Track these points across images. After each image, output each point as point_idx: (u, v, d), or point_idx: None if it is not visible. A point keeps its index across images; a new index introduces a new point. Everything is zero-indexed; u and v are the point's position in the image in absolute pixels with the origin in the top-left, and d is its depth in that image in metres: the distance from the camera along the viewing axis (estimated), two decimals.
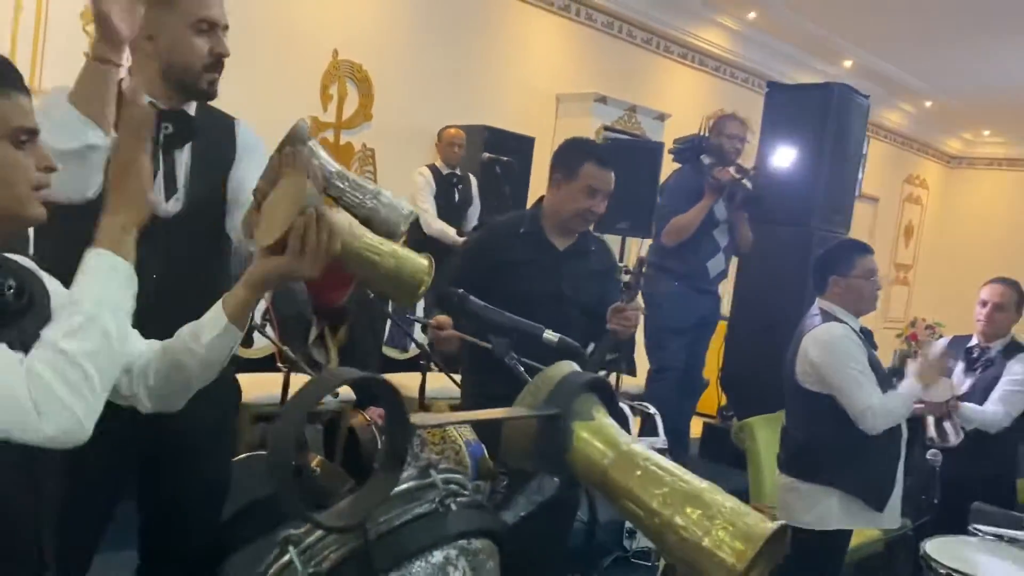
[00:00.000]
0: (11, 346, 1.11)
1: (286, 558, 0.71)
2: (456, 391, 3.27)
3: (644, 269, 2.45)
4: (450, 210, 4.96)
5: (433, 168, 5.03)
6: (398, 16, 5.72)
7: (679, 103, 7.35)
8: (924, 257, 11.76)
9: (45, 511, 1.21)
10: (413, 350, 4.42)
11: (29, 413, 1.02)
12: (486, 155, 5.16)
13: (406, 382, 4.07)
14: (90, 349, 1.06)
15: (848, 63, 8.55)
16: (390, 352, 4.39)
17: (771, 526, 0.87)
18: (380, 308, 4.15)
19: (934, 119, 10.78)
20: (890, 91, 9.53)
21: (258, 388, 3.45)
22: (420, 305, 4.45)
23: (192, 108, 1.76)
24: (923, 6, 6.72)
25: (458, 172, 5.07)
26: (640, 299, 2.52)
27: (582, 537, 2.88)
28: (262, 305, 3.56)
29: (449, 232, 4.90)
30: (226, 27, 1.71)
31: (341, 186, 1.46)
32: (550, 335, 1.33)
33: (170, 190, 1.70)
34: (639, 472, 0.85)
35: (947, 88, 9.24)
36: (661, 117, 6.84)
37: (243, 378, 2.22)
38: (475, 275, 2.51)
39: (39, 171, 1.16)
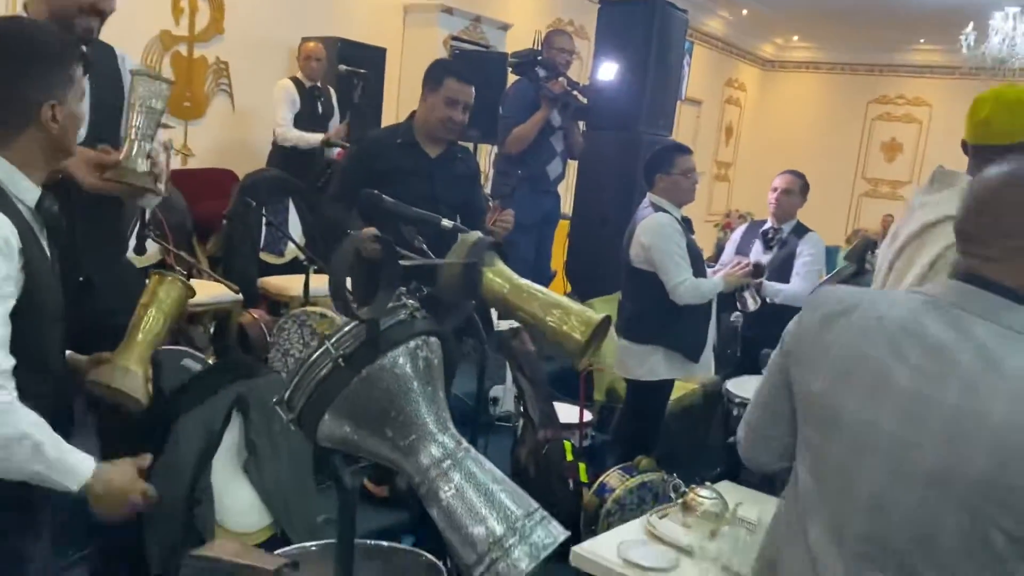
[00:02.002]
0: (52, 256, 1.51)
1: (323, 348, 1.16)
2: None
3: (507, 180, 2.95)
4: (314, 122, 5.23)
5: (296, 81, 5.25)
6: None
7: (520, 13, 7.75)
8: (742, 155, 12.89)
9: None
10: (288, 255, 4.76)
11: None
12: (343, 67, 5.42)
13: (287, 284, 4.45)
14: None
15: None
16: (267, 257, 4.71)
17: (599, 316, 1.43)
18: (256, 216, 4.45)
19: (750, 26, 11.69)
20: (711, 0, 10.29)
21: None
22: (293, 216, 4.79)
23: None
24: None
25: (319, 85, 5.32)
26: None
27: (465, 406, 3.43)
28: (148, 214, 3.79)
29: (306, 137, 5.11)
30: None
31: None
32: (446, 223, 1.80)
33: None
34: (524, 294, 1.41)
35: None
36: (504, 27, 7.20)
37: None
38: (357, 183, 2.92)
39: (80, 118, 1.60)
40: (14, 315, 1.44)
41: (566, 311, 1.44)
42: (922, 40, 11.34)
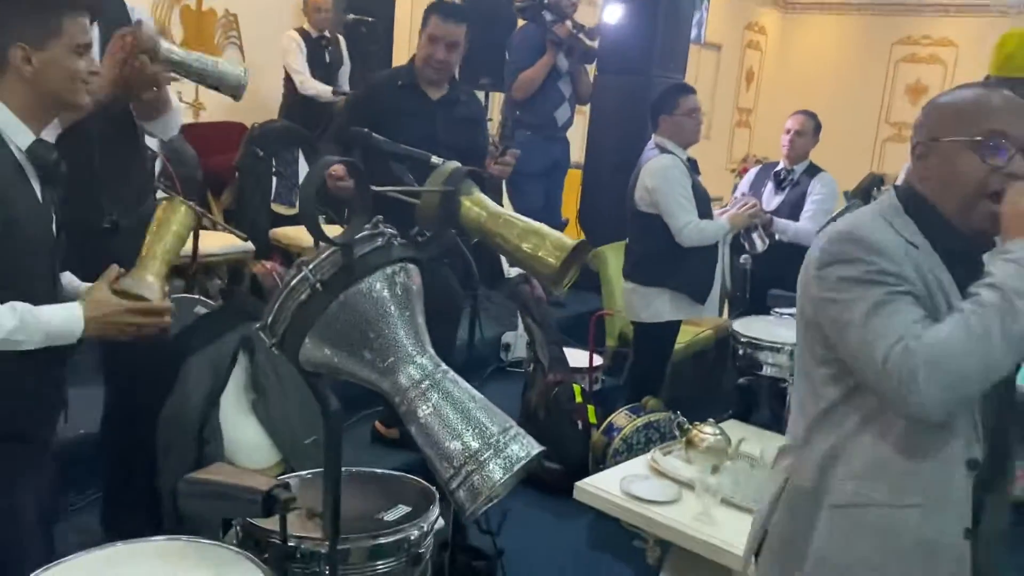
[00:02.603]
0: (28, 207, 1.58)
1: (301, 274, 1.20)
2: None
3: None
4: (323, 72, 5.23)
5: (303, 32, 5.24)
6: None
7: None
8: (763, 100, 12.69)
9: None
10: (299, 205, 4.79)
11: None
12: (351, 16, 5.39)
13: (298, 234, 4.49)
14: (13, 346, 1.54)
15: None
16: (278, 208, 4.75)
17: (573, 242, 1.47)
18: (265, 167, 4.49)
19: None
20: None
21: None
22: (304, 166, 4.82)
23: None
24: None
25: (327, 35, 5.30)
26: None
27: (465, 352, 3.49)
28: (159, 165, 3.84)
29: (323, 91, 5.18)
30: None
31: (181, 60, 1.96)
32: (436, 159, 1.82)
33: None
34: (501, 221, 1.44)
35: None
36: None
37: None
38: (360, 123, 2.94)
39: (89, 73, 1.63)
40: None
41: (542, 237, 1.46)
42: None
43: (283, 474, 2.42)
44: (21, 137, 1.60)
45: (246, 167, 4.35)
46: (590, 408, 3.63)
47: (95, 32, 2.08)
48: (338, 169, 2.73)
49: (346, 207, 3.91)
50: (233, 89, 2.05)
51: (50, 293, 1.68)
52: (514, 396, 3.89)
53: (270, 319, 1.23)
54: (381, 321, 1.20)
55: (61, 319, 1.60)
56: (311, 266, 1.18)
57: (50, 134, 1.87)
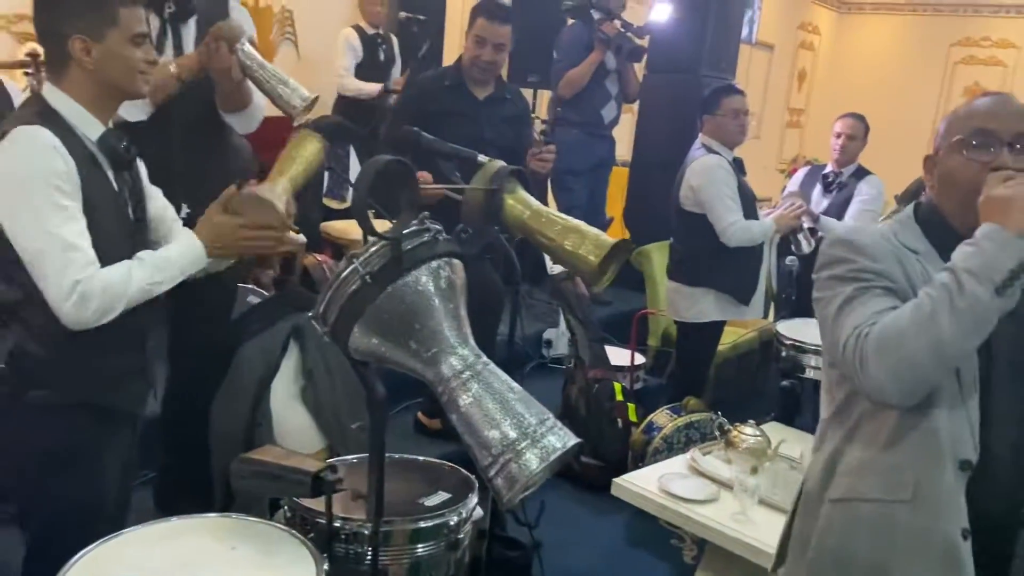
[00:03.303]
0: (105, 196, 1.64)
1: (352, 266, 1.26)
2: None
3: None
4: (376, 69, 5.31)
5: (358, 29, 5.32)
6: None
7: None
8: (815, 101, 12.52)
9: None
10: (350, 200, 4.89)
11: (78, 301, 1.56)
12: (403, 14, 5.47)
13: (348, 228, 4.59)
14: (151, 291, 1.66)
15: None
16: (329, 203, 4.86)
17: (612, 241, 1.51)
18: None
19: None
20: None
21: None
22: (354, 162, 4.91)
23: None
24: None
25: (381, 32, 5.39)
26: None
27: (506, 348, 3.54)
28: None
29: (365, 88, 5.19)
30: None
31: (248, 64, 2.04)
32: (483, 158, 1.87)
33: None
34: (543, 219, 1.49)
35: None
36: None
37: None
38: (409, 125, 3.00)
39: (146, 63, 1.68)
40: None
41: (582, 235, 1.51)
42: None
43: (329, 459, 2.51)
44: (91, 128, 1.66)
45: None
46: (630, 406, 3.66)
47: (192, 26, 2.18)
48: (424, 175, 2.75)
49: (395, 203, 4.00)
50: (286, 110, 2.14)
51: None
52: (555, 392, 3.93)
53: (322, 308, 1.29)
54: (425, 313, 1.26)
55: (184, 251, 1.73)
56: (361, 259, 1.24)
57: (138, 113, 1.96)
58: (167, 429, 2.49)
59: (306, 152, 2.00)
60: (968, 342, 1.30)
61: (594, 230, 1.56)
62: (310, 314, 1.32)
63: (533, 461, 1.18)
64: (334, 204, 4.87)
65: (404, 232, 1.25)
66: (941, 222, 1.44)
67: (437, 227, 1.30)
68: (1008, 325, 1.33)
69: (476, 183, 1.49)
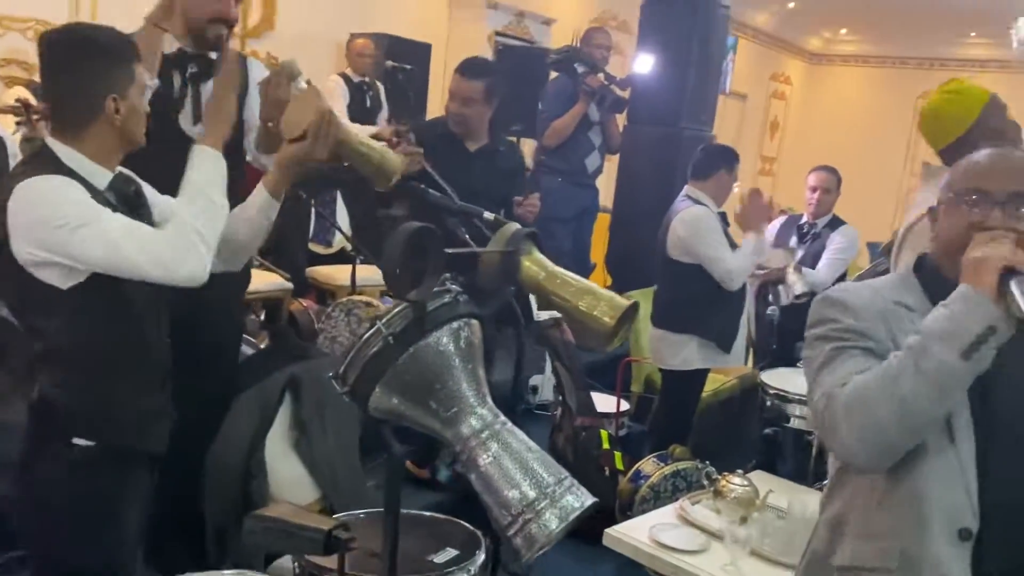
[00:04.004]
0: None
1: (375, 327, 1.29)
2: (381, 277, 3.85)
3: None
4: (362, 116, 5.38)
5: (344, 76, 5.41)
6: None
7: (564, 8, 7.83)
8: (787, 149, 12.81)
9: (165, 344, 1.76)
10: (336, 245, 4.92)
11: (169, 263, 1.58)
12: (390, 63, 5.56)
13: (334, 273, 4.61)
14: (203, 216, 1.64)
15: None
16: (315, 247, 4.87)
17: (627, 302, 1.55)
18: (306, 208, 4.62)
19: (796, 19, 11.60)
20: None
21: None
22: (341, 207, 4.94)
23: (213, 53, 2.22)
24: None
25: (367, 80, 5.47)
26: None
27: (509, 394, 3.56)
28: None
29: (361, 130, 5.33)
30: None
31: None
32: (488, 215, 1.92)
33: (197, 116, 2.19)
34: (559, 281, 1.54)
35: None
36: (548, 22, 7.30)
37: None
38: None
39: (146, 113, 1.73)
40: (93, 275, 1.61)
41: (597, 297, 1.56)
42: (973, 34, 11.15)
43: (323, 511, 2.50)
44: (99, 179, 1.69)
45: (288, 208, 4.46)
46: (617, 454, 3.68)
47: (210, 87, 2.21)
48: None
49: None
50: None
51: (155, 312, 1.76)
52: (541, 439, 3.94)
53: (343, 368, 1.31)
54: (446, 373, 1.29)
55: (192, 163, 1.72)
56: (384, 320, 1.27)
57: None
58: (160, 480, 2.47)
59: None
60: (934, 406, 1.27)
61: (607, 292, 1.61)
62: (330, 374, 1.34)
63: (552, 521, 1.21)
64: (320, 249, 4.89)
65: (428, 292, 1.28)
66: (939, 277, 1.41)
67: (457, 288, 1.34)
68: (1008, 385, 1.31)
69: (494, 245, 1.54)
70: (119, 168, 1.73)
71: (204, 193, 1.68)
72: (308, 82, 1.85)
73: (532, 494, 1.22)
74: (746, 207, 3.55)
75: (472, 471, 1.27)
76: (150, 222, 1.76)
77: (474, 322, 1.34)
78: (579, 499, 1.24)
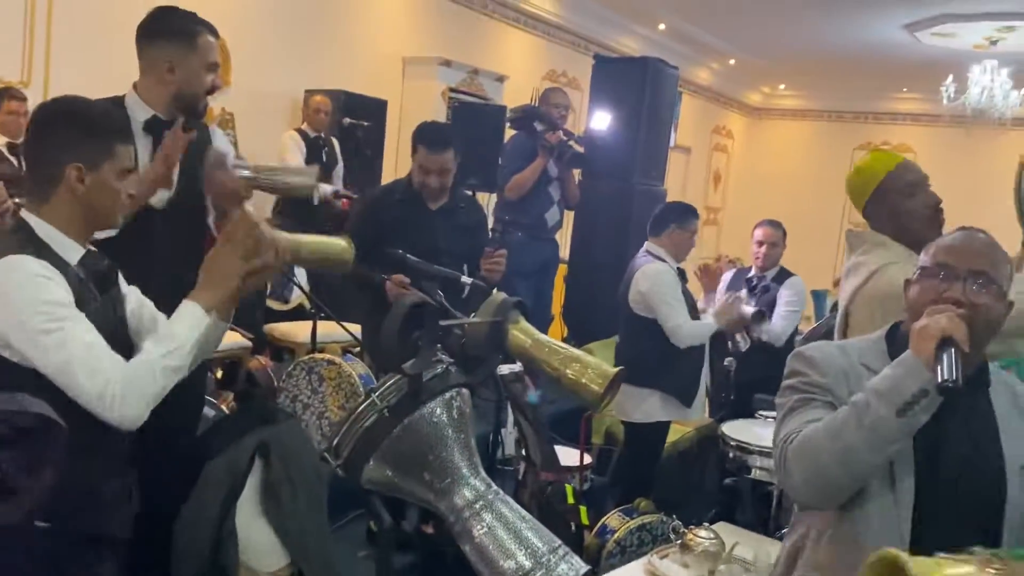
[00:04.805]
0: (95, 311, 1.64)
1: (369, 400, 1.30)
2: (343, 334, 3.85)
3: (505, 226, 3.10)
4: (319, 171, 5.40)
5: (301, 132, 5.43)
6: None
7: (516, 65, 8.00)
8: (731, 200, 13.15)
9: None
10: (293, 301, 4.89)
11: (111, 400, 1.55)
12: (346, 120, 5.61)
13: (292, 330, 4.57)
14: (174, 368, 1.62)
15: (662, 26, 9.47)
16: (273, 304, 4.83)
17: (614, 370, 1.59)
18: None
19: (737, 75, 12.02)
20: (699, 51, 10.59)
21: None
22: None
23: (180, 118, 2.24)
24: None
25: (323, 136, 5.50)
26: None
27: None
28: None
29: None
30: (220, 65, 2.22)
31: (254, 176, 2.09)
32: (466, 279, 1.96)
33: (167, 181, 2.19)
34: (546, 349, 1.57)
35: (748, 48, 10.37)
36: (500, 79, 7.43)
37: None
38: (365, 237, 3.07)
39: (128, 196, 1.73)
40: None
41: (584, 365, 1.60)
42: (905, 89, 11.67)
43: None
44: (71, 253, 1.68)
45: None
46: (582, 509, 3.68)
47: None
48: (399, 278, 2.79)
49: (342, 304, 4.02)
50: (305, 192, 2.17)
51: None
52: (505, 493, 3.93)
53: (336, 441, 1.32)
54: (439, 444, 1.31)
55: (180, 316, 1.68)
56: (378, 393, 1.28)
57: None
58: (128, 549, 2.41)
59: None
60: (872, 455, 1.40)
61: (593, 359, 1.65)
62: (323, 448, 1.34)
63: None
64: (277, 305, 4.85)
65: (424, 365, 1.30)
66: (907, 343, 1.52)
67: (448, 359, 1.36)
68: (950, 439, 1.44)
69: (481, 314, 1.57)
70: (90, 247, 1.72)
71: (178, 350, 1.64)
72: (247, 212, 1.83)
73: (527, 564, 1.24)
74: (721, 307, 3.75)
75: (467, 542, 1.29)
76: (121, 307, 1.77)
77: (465, 391, 1.37)
78: (573, 568, 1.26)
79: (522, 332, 1.62)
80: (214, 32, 2.26)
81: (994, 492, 1.49)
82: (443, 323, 1.35)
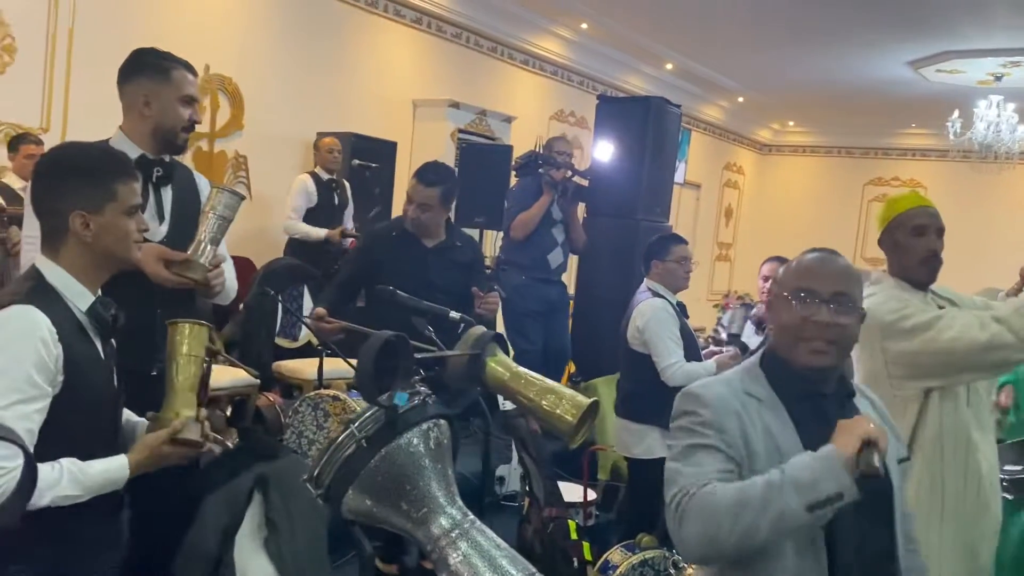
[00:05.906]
0: (106, 356, 1.70)
1: (348, 430, 1.35)
2: (348, 370, 3.91)
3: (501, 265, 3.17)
4: (331, 213, 5.51)
5: (314, 175, 5.54)
6: (264, 32, 6.10)
7: (524, 106, 8.14)
8: (742, 235, 13.20)
9: None
10: (302, 339, 4.96)
11: (18, 489, 1.50)
12: (356, 161, 5.73)
13: (300, 367, 4.64)
14: (63, 497, 1.61)
15: (669, 66, 9.61)
16: (282, 342, 4.91)
17: (588, 401, 1.63)
18: (272, 303, 4.67)
19: (747, 113, 12.14)
20: (707, 90, 10.72)
21: None
22: (308, 302, 5.01)
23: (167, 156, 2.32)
24: (734, 18, 7.72)
25: (335, 178, 5.62)
26: (500, 288, 3.25)
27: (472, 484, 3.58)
28: None
29: (312, 232, 5.39)
30: (199, 100, 2.29)
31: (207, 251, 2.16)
32: (454, 314, 2.01)
33: (160, 217, 2.26)
34: (523, 381, 1.62)
35: (756, 86, 10.50)
36: (508, 119, 7.57)
37: None
38: (359, 273, 3.17)
39: (139, 232, 1.78)
40: (57, 406, 1.61)
41: (559, 396, 1.64)
42: (913, 125, 11.74)
43: None
44: (81, 299, 1.71)
45: (255, 304, 4.53)
46: (585, 545, 3.69)
47: (168, 195, 2.30)
48: (320, 312, 3.02)
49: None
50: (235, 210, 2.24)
51: (111, 445, 1.76)
52: (508, 530, 3.93)
53: (316, 471, 1.36)
54: (417, 474, 1.35)
55: (108, 464, 1.67)
56: (356, 423, 1.33)
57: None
58: None
59: (184, 348, 1.90)
60: (772, 536, 1.42)
61: (569, 391, 1.69)
62: (304, 477, 1.39)
63: None
64: (286, 343, 4.92)
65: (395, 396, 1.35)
66: (781, 365, 1.61)
67: (426, 390, 1.41)
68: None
69: (460, 347, 1.62)
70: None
71: (85, 484, 1.63)
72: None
73: None
74: (723, 359, 3.74)
75: (443, 570, 1.32)
76: (117, 357, 1.81)
77: (443, 422, 1.41)
78: None
79: (500, 365, 1.67)
80: (190, 69, 2.32)
81: (885, 484, 1.55)
82: (419, 356, 1.40)
